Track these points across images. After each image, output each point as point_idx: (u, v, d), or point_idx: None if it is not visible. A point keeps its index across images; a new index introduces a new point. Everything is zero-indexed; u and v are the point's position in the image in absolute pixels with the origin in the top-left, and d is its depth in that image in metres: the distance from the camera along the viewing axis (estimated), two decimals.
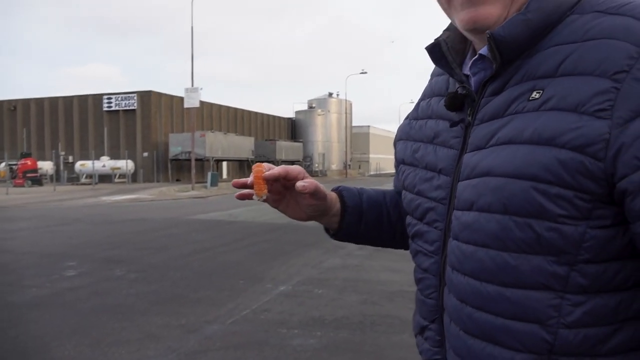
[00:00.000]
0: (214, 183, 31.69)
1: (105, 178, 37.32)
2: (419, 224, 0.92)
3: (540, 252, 0.72)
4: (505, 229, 0.73)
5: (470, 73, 0.84)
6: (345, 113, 62.18)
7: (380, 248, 1.20)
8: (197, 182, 31.05)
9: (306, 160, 57.64)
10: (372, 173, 72.48)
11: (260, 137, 53.02)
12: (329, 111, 60.77)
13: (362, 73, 57.36)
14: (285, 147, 51.89)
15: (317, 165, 58.86)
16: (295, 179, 0.93)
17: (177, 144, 39.11)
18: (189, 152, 33.17)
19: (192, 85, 30.07)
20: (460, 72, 0.86)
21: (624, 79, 0.67)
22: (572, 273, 0.71)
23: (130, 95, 41.38)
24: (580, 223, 0.70)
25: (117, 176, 38.13)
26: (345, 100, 62.19)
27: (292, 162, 56.18)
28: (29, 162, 33.35)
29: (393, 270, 7.13)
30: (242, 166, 49.79)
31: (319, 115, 59.94)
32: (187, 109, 31.36)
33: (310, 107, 61.30)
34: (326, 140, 60.63)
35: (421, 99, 1.00)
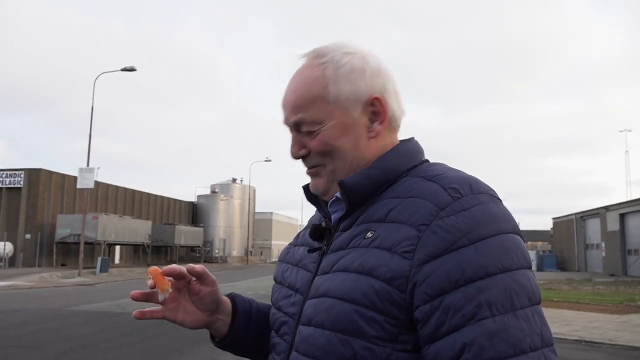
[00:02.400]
0: (104, 269, 29.62)
1: None
2: (275, 336, 1.03)
3: None
4: (331, 344, 0.86)
5: (331, 211, 1.01)
6: (249, 199, 62.11)
7: None
8: (85, 268, 28.84)
9: (206, 246, 56.06)
10: (273, 260, 71.73)
11: (158, 221, 50.98)
12: (232, 196, 60.39)
13: (266, 161, 58.25)
14: (184, 232, 50.28)
15: (217, 251, 57.35)
16: (191, 273, 1.00)
17: (66, 226, 36.53)
18: (79, 235, 31.00)
19: (88, 165, 28.74)
20: (327, 209, 1.02)
21: (424, 230, 0.84)
22: None
23: (16, 172, 38.60)
24: (388, 345, 0.83)
25: None
26: (249, 186, 62.37)
27: (192, 248, 54.65)
28: None
29: None
30: (137, 250, 47.23)
31: (221, 200, 59.30)
32: (80, 189, 29.73)
33: (213, 192, 60.63)
34: (228, 225, 59.68)
35: (303, 229, 1.16)
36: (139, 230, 42.75)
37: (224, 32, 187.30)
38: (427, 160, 1.02)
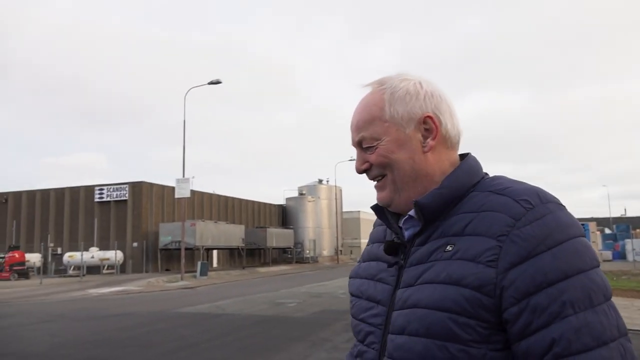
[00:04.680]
0: (203, 272, 31.30)
1: (93, 269, 36.76)
2: (360, 345, 1.11)
3: None
4: (428, 350, 0.95)
5: (403, 227, 1.10)
6: (335, 199, 62.74)
7: None
8: (186, 272, 30.66)
9: (297, 247, 57.22)
10: None
11: (250, 225, 52.99)
12: (319, 197, 61.33)
13: (350, 160, 58.55)
14: (276, 234, 51.78)
15: (308, 251, 58.38)
16: None
17: (167, 234, 38.98)
18: (179, 242, 33.04)
19: (184, 176, 30.55)
20: (397, 225, 1.12)
21: (504, 240, 0.93)
22: None
23: (121, 186, 41.78)
24: (482, 346, 0.93)
25: (105, 267, 37.61)
26: (335, 186, 63.01)
27: (284, 249, 55.94)
28: (16, 255, 32.95)
29: None
30: (233, 254, 49.35)
31: (309, 202, 60.41)
32: (178, 198, 31.66)
33: (301, 194, 61.82)
34: (317, 226, 60.67)
35: (368, 244, 1.26)
36: (234, 234, 44.60)
37: (296, 35, 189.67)
38: (486, 174, 1.11)
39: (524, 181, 1.05)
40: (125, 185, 41.71)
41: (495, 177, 1.08)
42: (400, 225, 1.10)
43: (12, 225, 43.27)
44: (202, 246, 39.23)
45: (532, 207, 0.95)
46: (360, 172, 1.14)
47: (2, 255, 33.89)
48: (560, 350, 0.87)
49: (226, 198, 52.62)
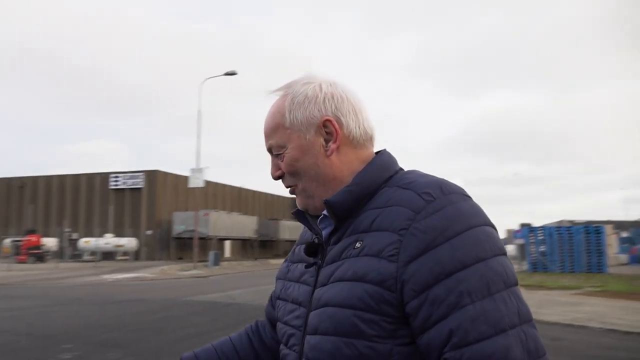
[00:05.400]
0: (215, 262, 31.59)
1: (108, 255, 37.30)
2: (284, 348, 1.11)
3: None
4: (337, 348, 0.96)
5: (321, 227, 1.11)
6: None
7: None
8: (199, 261, 30.96)
9: None
10: None
11: (263, 217, 53.20)
12: None
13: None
14: (288, 227, 51.95)
15: None
16: None
17: (181, 223, 39.35)
18: (193, 231, 33.35)
19: (198, 166, 30.75)
20: (317, 227, 1.12)
21: (404, 234, 0.94)
22: None
23: (137, 174, 42.18)
24: (387, 341, 0.93)
25: (120, 253, 38.10)
26: None
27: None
28: (33, 239, 33.55)
29: None
30: (245, 245, 49.64)
31: None
32: (192, 188, 31.91)
33: None
34: None
35: (296, 245, 1.27)
36: (246, 225, 44.88)
37: (312, 27, 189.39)
38: (401, 169, 1.11)
39: (432, 175, 1.05)
40: (140, 174, 42.13)
41: (408, 172, 1.08)
42: (318, 226, 1.11)
43: (29, 209, 43.94)
44: (215, 236, 39.53)
45: (433, 199, 0.96)
46: (275, 178, 1.14)
47: (20, 239, 34.49)
48: (457, 341, 0.87)
49: (239, 189, 52.89)
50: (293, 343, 1.08)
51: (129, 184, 41.99)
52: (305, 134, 1.08)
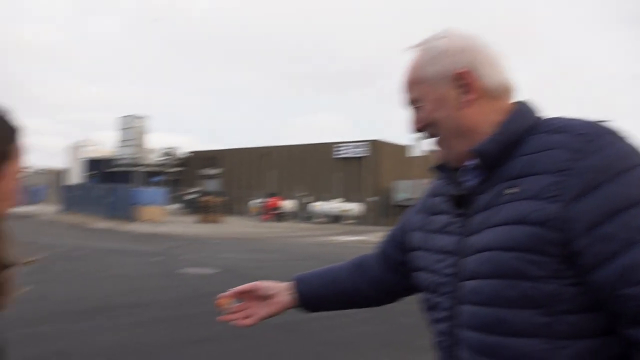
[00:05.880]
0: None
1: (336, 218, 40.31)
2: (433, 297, 1.14)
3: (527, 307, 0.94)
4: (499, 290, 0.96)
5: (463, 179, 1.11)
6: None
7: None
8: None
9: None
10: None
11: None
12: None
13: None
14: None
15: None
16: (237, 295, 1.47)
17: (403, 191, 40.33)
18: (413, 199, 33.82)
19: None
20: (460, 178, 1.12)
21: (566, 174, 0.93)
22: (554, 322, 0.93)
23: (359, 143, 44.40)
24: (552, 281, 0.92)
25: (346, 218, 40.86)
26: None
27: None
28: (274, 201, 38.14)
29: None
30: None
31: None
32: (410, 157, 32.30)
33: None
34: None
35: (426, 197, 1.29)
36: None
37: None
38: (541, 117, 1.09)
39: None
40: (365, 143, 44.21)
41: (552, 118, 1.07)
42: (460, 178, 1.12)
43: (270, 175, 49.92)
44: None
45: (591, 139, 0.95)
46: (417, 131, 1.16)
47: (264, 200, 39.52)
48: (634, 277, 0.86)
49: None
50: (445, 291, 1.09)
51: (352, 153, 44.53)
52: (441, 87, 1.10)
